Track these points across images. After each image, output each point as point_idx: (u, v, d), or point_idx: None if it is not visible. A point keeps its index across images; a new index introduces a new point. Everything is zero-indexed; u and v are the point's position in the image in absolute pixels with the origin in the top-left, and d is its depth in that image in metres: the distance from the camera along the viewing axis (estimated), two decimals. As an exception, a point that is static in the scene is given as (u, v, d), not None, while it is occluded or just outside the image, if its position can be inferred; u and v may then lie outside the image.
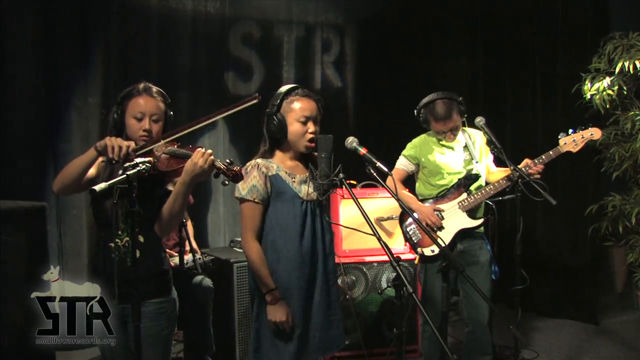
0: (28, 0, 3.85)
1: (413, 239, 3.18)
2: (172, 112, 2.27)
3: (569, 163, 4.55)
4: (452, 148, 3.20)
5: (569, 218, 4.69)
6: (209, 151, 1.97)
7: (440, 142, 3.19)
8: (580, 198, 4.57)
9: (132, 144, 2.05)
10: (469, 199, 3.10)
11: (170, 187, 2.18)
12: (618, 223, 4.12)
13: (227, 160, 2.00)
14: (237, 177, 2.00)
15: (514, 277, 2.98)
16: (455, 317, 4.45)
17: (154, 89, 2.23)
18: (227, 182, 2.01)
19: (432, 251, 3.08)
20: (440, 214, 3.11)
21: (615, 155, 4.07)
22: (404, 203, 3.16)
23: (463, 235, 3.12)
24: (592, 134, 3.01)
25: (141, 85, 2.22)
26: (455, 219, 3.11)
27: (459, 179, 3.14)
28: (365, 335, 3.58)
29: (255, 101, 2.10)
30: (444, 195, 3.15)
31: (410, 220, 3.17)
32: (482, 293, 2.09)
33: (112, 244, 2.05)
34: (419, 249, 3.15)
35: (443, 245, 3.01)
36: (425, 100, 3.11)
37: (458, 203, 3.11)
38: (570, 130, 3.03)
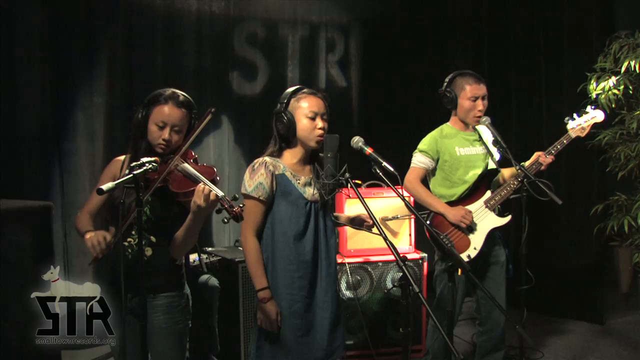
0: (34, 0, 3.86)
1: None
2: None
3: (574, 162, 4.53)
4: (470, 140, 3.13)
5: (574, 218, 4.67)
6: (207, 189, 1.97)
7: (461, 135, 3.11)
8: (586, 198, 4.55)
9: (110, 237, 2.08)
10: (494, 197, 3.03)
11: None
12: (624, 223, 4.11)
13: (232, 196, 2.02)
14: (238, 218, 2.00)
15: (520, 277, 2.97)
16: (460, 317, 4.43)
17: (181, 97, 2.22)
18: (226, 220, 2.01)
19: (469, 257, 2.98)
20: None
21: (621, 155, 4.05)
22: (429, 206, 3.07)
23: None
24: (595, 117, 3.10)
25: (168, 92, 2.21)
26: (485, 219, 3.03)
27: (479, 176, 3.07)
28: (370, 335, 3.57)
29: (210, 117, 2.17)
30: (467, 196, 3.07)
31: (445, 229, 3.02)
32: (489, 295, 2.10)
33: (126, 242, 2.11)
34: None
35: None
36: (452, 74, 3.12)
37: (484, 202, 3.04)
38: (575, 115, 3.10)
